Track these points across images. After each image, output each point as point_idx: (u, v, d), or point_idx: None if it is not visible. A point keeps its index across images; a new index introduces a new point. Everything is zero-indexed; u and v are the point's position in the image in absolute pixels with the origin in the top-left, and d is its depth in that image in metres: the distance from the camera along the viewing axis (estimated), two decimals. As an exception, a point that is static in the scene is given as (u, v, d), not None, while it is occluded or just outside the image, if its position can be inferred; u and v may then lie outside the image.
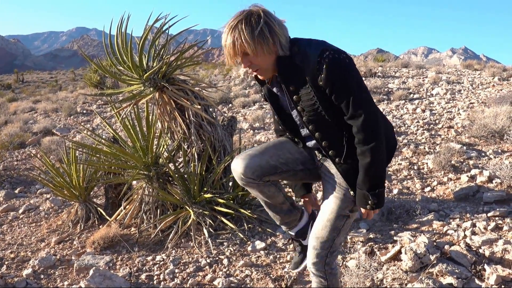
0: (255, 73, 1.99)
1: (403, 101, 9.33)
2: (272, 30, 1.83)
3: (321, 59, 1.84)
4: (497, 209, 3.98)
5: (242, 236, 4.01)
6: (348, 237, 3.81)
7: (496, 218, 3.86)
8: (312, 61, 1.86)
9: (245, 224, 4.18)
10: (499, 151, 5.64)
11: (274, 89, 2.13)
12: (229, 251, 3.84)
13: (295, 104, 2.00)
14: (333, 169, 2.14)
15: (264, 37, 1.81)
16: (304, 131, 2.18)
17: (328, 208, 2.15)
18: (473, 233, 3.60)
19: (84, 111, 12.87)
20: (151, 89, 4.10)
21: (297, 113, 2.03)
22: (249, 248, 3.83)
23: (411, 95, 9.77)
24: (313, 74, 1.87)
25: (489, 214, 3.93)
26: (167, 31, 4.26)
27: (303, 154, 2.27)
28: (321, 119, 1.99)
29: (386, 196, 4.66)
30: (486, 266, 3.09)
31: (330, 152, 2.06)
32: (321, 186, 2.28)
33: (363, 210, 2.06)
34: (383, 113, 8.36)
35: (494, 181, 4.62)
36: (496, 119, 6.18)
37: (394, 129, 6.86)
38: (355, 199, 2.07)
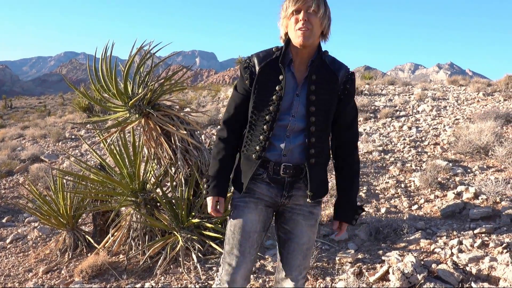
0: (303, 33, 1.97)
1: (390, 118, 9.42)
2: (330, 18, 2.07)
3: (352, 74, 2.15)
4: (483, 225, 4.02)
5: (231, 260, 3.98)
6: (337, 258, 3.81)
7: (483, 235, 3.89)
8: (345, 69, 2.13)
9: (234, 248, 4.15)
10: (485, 167, 5.71)
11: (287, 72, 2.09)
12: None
13: (309, 92, 2.05)
14: (300, 199, 2.16)
15: (328, 14, 2.04)
16: (291, 122, 2.07)
17: (308, 238, 2.19)
18: (460, 250, 3.63)
19: (73, 136, 12.82)
20: (137, 115, 4.11)
21: (306, 101, 2.05)
22: (238, 273, 3.80)
23: (398, 113, 9.87)
24: (345, 79, 2.11)
25: (475, 231, 3.96)
26: (153, 57, 4.30)
27: (262, 214, 2.18)
28: (324, 117, 2.09)
29: (373, 215, 4.69)
30: (473, 284, 3.10)
31: (311, 153, 2.06)
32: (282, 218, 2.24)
33: (342, 226, 2.25)
34: (370, 131, 8.35)
35: (480, 198, 4.67)
36: (480, 135, 6.26)
37: (382, 147, 6.95)
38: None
